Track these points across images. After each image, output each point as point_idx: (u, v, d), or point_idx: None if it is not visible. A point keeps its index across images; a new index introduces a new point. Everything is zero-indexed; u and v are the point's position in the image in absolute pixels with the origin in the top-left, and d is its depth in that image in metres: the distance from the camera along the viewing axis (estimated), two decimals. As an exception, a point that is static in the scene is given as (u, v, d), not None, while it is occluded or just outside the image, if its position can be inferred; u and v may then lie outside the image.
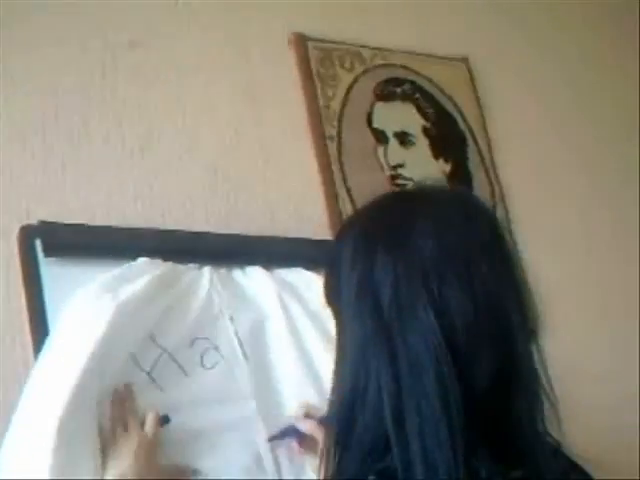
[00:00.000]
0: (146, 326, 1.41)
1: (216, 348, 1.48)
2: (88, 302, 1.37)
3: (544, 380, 1.02)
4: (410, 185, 2.04)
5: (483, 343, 0.96)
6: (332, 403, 1.03)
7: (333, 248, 1.08)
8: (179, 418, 1.40)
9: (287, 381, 1.51)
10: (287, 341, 1.53)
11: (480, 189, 2.20)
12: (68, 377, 1.29)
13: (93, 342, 1.31)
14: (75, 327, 1.35)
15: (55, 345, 1.35)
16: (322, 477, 1.02)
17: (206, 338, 1.48)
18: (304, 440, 1.45)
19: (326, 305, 1.10)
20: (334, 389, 1.04)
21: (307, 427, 1.44)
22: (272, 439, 1.46)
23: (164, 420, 1.39)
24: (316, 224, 1.85)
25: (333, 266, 1.06)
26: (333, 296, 1.07)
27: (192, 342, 1.46)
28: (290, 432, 1.46)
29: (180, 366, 1.44)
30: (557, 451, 1.06)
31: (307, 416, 1.45)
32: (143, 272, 1.44)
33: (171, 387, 1.41)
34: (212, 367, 1.47)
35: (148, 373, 1.39)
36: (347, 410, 0.99)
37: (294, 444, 1.46)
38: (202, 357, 1.46)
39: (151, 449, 1.33)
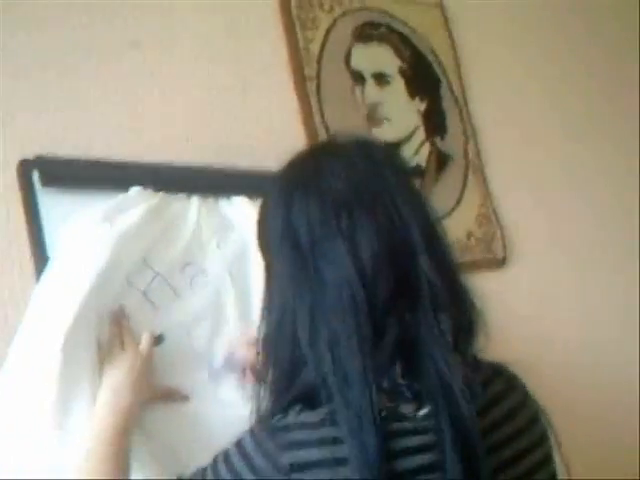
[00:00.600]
0: (140, 252, 1.49)
1: (204, 272, 1.56)
2: (88, 230, 1.45)
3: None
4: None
5: (386, 268, 1.07)
6: (260, 338, 1.15)
7: (261, 204, 1.21)
8: (171, 337, 1.49)
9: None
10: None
11: (453, 127, 2.29)
12: (72, 299, 1.38)
13: (94, 267, 1.40)
14: (77, 253, 1.43)
15: (57, 269, 1.44)
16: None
17: (195, 264, 1.56)
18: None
19: (258, 248, 1.21)
20: (264, 319, 1.15)
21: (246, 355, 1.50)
22: (212, 375, 1.53)
23: (159, 339, 1.48)
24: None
25: (262, 213, 1.20)
26: (263, 245, 1.19)
27: (183, 267, 1.55)
28: (231, 363, 1.53)
29: (172, 288, 1.53)
30: (477, 364, 1.15)
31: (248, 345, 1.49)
32: (137, 202, 1.53)
33: (164, 307, 1.51)
34: (200, 290, 1.56)
35: (143, 292, 1.48)
36: (271, 340, 1.13)
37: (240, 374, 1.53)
38: (191, 281, 1.55)
39: (145, 366, 1.42)
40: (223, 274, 1.58)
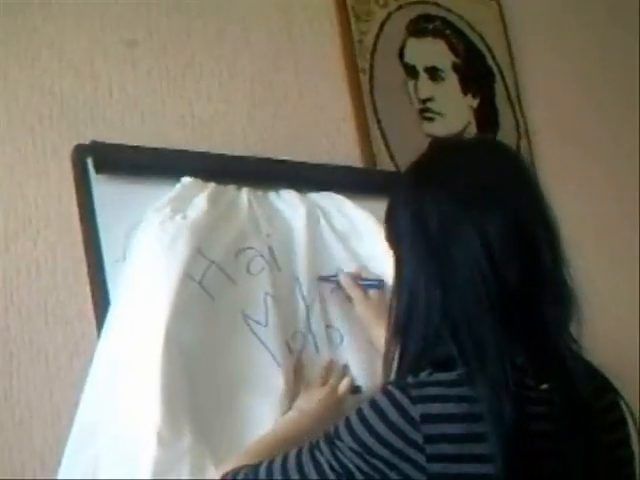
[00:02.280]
0: (197, 242, 1.50)
1: (262, 255, 1.57)
2: (163, 221, 1.47)
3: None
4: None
5: (514, 256, 1.14)
6: (393, 318, 1.22)
7: (390, 199, 1.27)
8: (227, 324, 1.50)
9: (311, 295, 1.60)
10: (312, 258, 1.62)
11: (506, 124, 2.28)
12: (164, 295, 1.40)
13: (179, 263, 1.43)
14: (158, 250, 1.44)
15: (141, 265, 1.45)
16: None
17: (251, 247, 1.56)
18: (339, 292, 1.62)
19: (388, 246, 1.27)
20: (394, 307, 1.22)
21: (346, 282, 1.60)
22: (320, 279, 1.61)
23: (357, 389, 1.54)
24: (347, 152, 1.95)
25: (390, 212, 1.26)
26: (392, 235, 1.25)
27: (237, 254, 1.55)
28: (331, 280, 1.62)
29: (227, 275, 1.52)
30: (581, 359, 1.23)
31: (354, 276, 1.62)
32: (196, 192, 1.55)
33: (221, 296, 1.50)
34: (258, 273, 1.56)
35: (199, 282, 1.47)
36: (403, 322, 1.19)
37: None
38: (248, 265, 1.55)
39: (336, 406, 1.49)
40: (271, 263, 1.59)
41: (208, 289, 1.48)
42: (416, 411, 1.07)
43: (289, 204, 1.67)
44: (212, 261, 1.50)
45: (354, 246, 1.68)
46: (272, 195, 1.68)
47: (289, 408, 1.47)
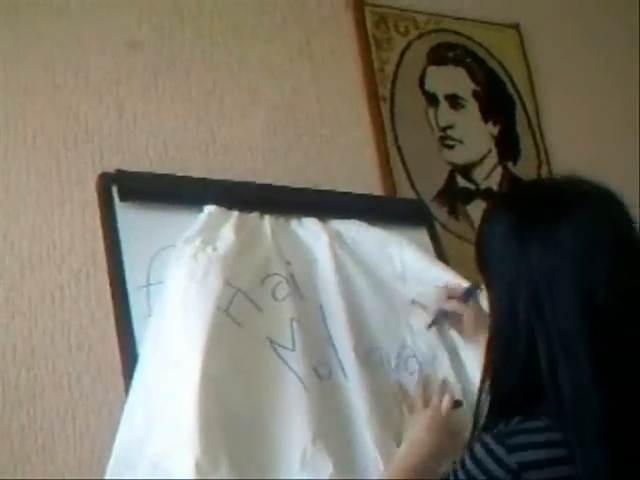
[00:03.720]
0: (227, 274, 1.51)
1: (287, 281, 1.57)
2: (195, 256, 1.48)
3: None
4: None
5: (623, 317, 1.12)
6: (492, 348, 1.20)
7: (484, 223, 1.23)
8: (256, 352, 1.50)
9: (335, 323, 1.60)
10: (336, 287, 1.62)
11: (527, 151, 2.29)
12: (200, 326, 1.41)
13: (212, 296, 1.44)
14: (191, 283, 1.45)
15: (175, 297, 1.45)
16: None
17: (277, 274, 1.57)
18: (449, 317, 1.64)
19: (478, 272, 1.25)
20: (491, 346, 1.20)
21: (452, 306, 1.62)
22: (430, 326, 1.63)
23: (457, 403, 1.54)
24: (368, 179, 1.96)
25: (485, 241, 1.22)
26: (483, 266, 1.22)
27: (262, 280, 1.56)
28: (441, 315, 1.63)
29: (254, 303, 1.52)
30: None
31: (449, 297, 1.62)
32: (222, 221, 1.56)
33: (248, 323, 1.50)
34: (284, 298, 1.56)
35: (225, 311, 1.47)
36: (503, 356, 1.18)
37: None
38: (274, 291, 1.56)
39: (443, 423, 1.50)
40: (294, 291, 1.60)
41: (235, 317, 1.49)
42: (513, 460, 1.08)
43: (311, 232, 1.68)
44: (238, 289, 1.50)
45: (373, 270, 1.68)
46: (294, 223, 1.69)
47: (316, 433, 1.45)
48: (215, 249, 1.50)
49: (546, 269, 1.13)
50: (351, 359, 1.56)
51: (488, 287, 1.23)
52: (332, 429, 1.48)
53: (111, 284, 1.53)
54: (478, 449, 1.12)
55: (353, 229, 1.72)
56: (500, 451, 1.10)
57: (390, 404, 1.56)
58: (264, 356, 1.50)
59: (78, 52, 1.71)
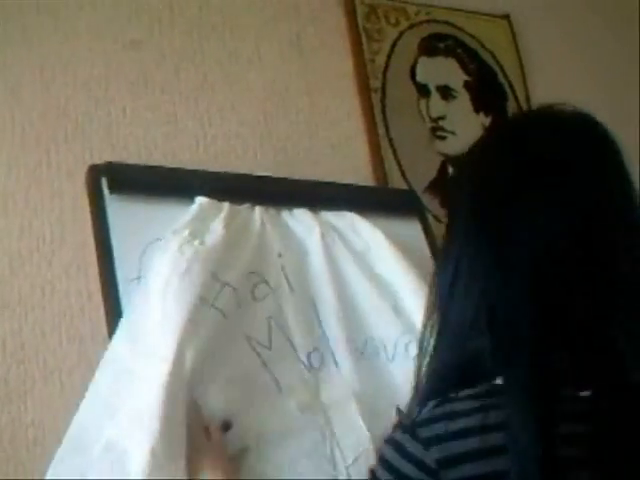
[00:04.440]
0: (213, 267, 1.50)
1: (266, 282, 1.57)
2: (181, 248, 1.47)
3: None
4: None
5: (578, 248, 0.99)
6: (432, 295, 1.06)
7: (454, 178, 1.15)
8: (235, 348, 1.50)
9: (327, 315, 1.60)
10: (328, 278, 1.63)
11: (518, 142, 2.27)
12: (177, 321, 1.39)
13: (194, 289, 1.43)
14: (173, 273, 1.44)
15: (156, 288, 1.44)
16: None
17: (256, 272, 1.57)
18: None
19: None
20: (434, 284, 1.07)
21: None
22: None
23: (226, 427, 1.44)
24: (359, 170, 1.96)
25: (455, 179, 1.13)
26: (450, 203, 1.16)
27: (247, 276, 1.56)
28: None
29: (238, 297, 1.53)
30: None
31: None
32: (213, 214, 1.56)
33: (232, 316, 1.50)
34: (262, 299, 1.56)
35: (212, 304, 1.47)
36: (446, 295, 1.04)
37: None
38: (253, 290, 1.56)
39: (225, 456, 1.38)
40: (282, 283, 1.59)
41: (222, 309, 1.49)
42: (430, 457, 0.92)
43: (303, 223, 1.67)
44: (225, 283, 1.51)
45: (371, 265, 1.68)
46: (285, 214, 1.68)
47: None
48: (203, 242, 1.49)
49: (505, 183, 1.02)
50: (343, 350, 1.56)
51: (448, 222, 1.12)
52: (309, 423, 1.49)
53: (101, 277, 1.52)
54: (387, 451, 0.96)
55: (345, 221, 1.72)
56: (413, 448, 0.93)
57: (382, 393, 1.55)
58: (242, 350, 1.50)
59: (67, 47, 1.70)
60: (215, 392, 1.44)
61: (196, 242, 1.49)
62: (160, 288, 1.43)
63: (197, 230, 1.51)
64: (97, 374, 1.40)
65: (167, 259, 1.46)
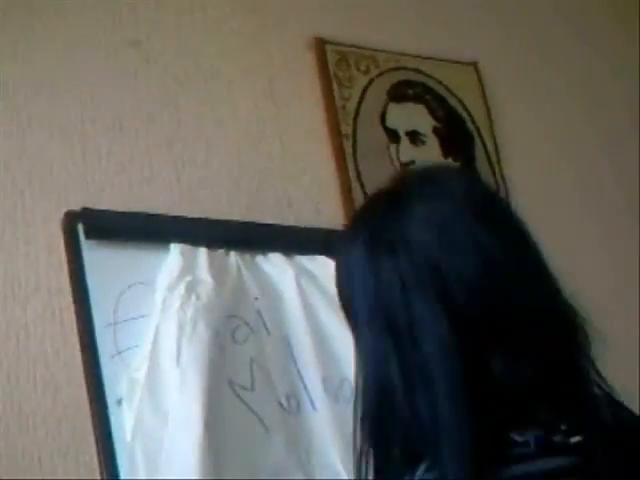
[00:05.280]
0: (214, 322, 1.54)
1: (246, 324, 1.59)
2: (182, 308, 1.51)
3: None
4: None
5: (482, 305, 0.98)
6: (360, 403, 1.04)
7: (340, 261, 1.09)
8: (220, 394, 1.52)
9: (303, 357, 1.63)
10: (303, 320, 1.65)
11: (486, 186, 2.31)
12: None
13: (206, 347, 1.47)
14: (182, 338, 1.48)
15: (167, 355, 1.48)
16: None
17: (236, 315, 1.59)
18: None
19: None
20: (360, 390, 1.05)
21: None
22: None
23: None
24: (331, 215, 1.97)
25: (342, 278, 1.08)
26: (348, 308, 1.09)
27: (227, 319, 1.58)
28: None
29: (219, 340, 1.55)
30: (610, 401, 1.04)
31: None
32: (195, 262, 1.58)
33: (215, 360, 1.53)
34: (243, 341, 1.58)
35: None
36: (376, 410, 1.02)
37: None
38: (233, 333, 1.58)
39: None
40: (260, 326, 1.61)
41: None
42: None
43: (277, 267, 1.69)
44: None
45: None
46: (260, 258, 1.70)
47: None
48: (199, 297, 1.52)
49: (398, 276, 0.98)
50: (320, 391, 1.57)
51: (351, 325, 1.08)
52: (295, 464, 1.50)
53: (77, 323, 1.53)
54: None
55: (319, 264, 1.74)
56: None
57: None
58: (224, 395, 1.51)
59: (43, 91, 1.72)
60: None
61: (193, 297, 1.52)
62: (172, 352, 1.47)
63: (190, 284, 1.54)
64: (130, 443, 1.43)
65: (172, 320, 1.49)
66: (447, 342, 0.96)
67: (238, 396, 1.52)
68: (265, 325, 1.60)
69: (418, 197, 1.04)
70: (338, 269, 1.08)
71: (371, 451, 1.02)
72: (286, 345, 1.62)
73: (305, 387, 1.59)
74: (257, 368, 1.55)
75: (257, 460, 1.47)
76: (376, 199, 1.11)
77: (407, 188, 1.07)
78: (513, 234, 1.04)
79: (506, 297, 0.99)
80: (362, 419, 1.03)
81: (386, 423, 1.00)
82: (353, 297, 1.05)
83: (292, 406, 1.56)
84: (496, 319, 0.98)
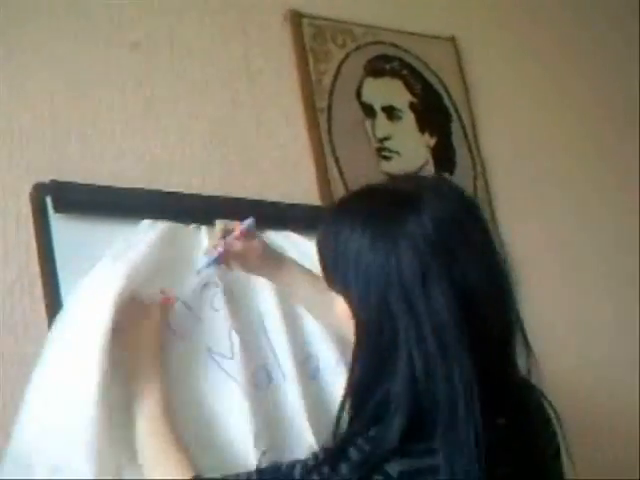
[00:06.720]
0: (157, 282, 1.50)
1: (223, 291, 1.59)
2: (102, 271, 1.46)
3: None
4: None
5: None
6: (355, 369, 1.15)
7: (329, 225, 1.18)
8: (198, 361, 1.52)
9: (274, 329, 1.63)
10: (273, 295, 1.65)
11: (462, 162, 2.32)
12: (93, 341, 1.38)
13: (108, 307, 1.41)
14: (91, 294, 1.44)
15: (74, 313, 1.43)
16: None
17: (211, 284, 1.59)
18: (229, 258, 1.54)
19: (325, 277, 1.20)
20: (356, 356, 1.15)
21: (227, 245, 1.51)
22: (199, 271, 1.55)
23: None
24: (306, 190, 1.97)
25: (333, 241, 1.16)
26: (333, 269, 1.17)
27: (202, 288, 1.58)
28: (212, 260, 1.52)
29: (194, 313, 1.55)
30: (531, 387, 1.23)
31: (223, 235, 1.52)
32: (145, 236, 1.55)
33: (189, 335, 1.53)
34: (222, 308, 1.58)
35: (168, 325, 1.49)
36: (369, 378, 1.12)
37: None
38: (212, 301, 1.57)
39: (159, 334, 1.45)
40: (233, 296, 1.62)
41: (175, 328, 1.51)
42: None
43: (247, 242, 1.68)
44: (177, 299, 1.53)
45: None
46: (232, 233, 1.69)
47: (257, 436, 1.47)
48: (125, 262, 1.47)
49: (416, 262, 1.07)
50: (290, 365, 1.58)
51: (342, 290, 1.15)
52: (272, 431, 1.51)
53: (46, 297, 1.52)
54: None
55: (289, 241, 1.74)
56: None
57: (326, 407, 1.58)
58: (206, 365, 1.52)
59: (12, 63, 1.69)
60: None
61: (117, 264, 1.47)
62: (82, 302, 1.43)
63: (119, 254, 1.50)
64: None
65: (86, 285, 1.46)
66: (457, 315, 1.07)
67: (219, 365, 1.53)
68: (236, 299, 1.60)
69: (431, 194, 1.13)
70: (328, 238, 1.17)
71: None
72: (257, 317, 1.63)
73: (277, 360, 1.59)
74: (236, 335, 1.55)
75: (239, 425, 1.48)
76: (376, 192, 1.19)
77: (418, 188, 1.16)
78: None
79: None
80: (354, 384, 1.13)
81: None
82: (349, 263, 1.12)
83: (263, 380, 1.57)
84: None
